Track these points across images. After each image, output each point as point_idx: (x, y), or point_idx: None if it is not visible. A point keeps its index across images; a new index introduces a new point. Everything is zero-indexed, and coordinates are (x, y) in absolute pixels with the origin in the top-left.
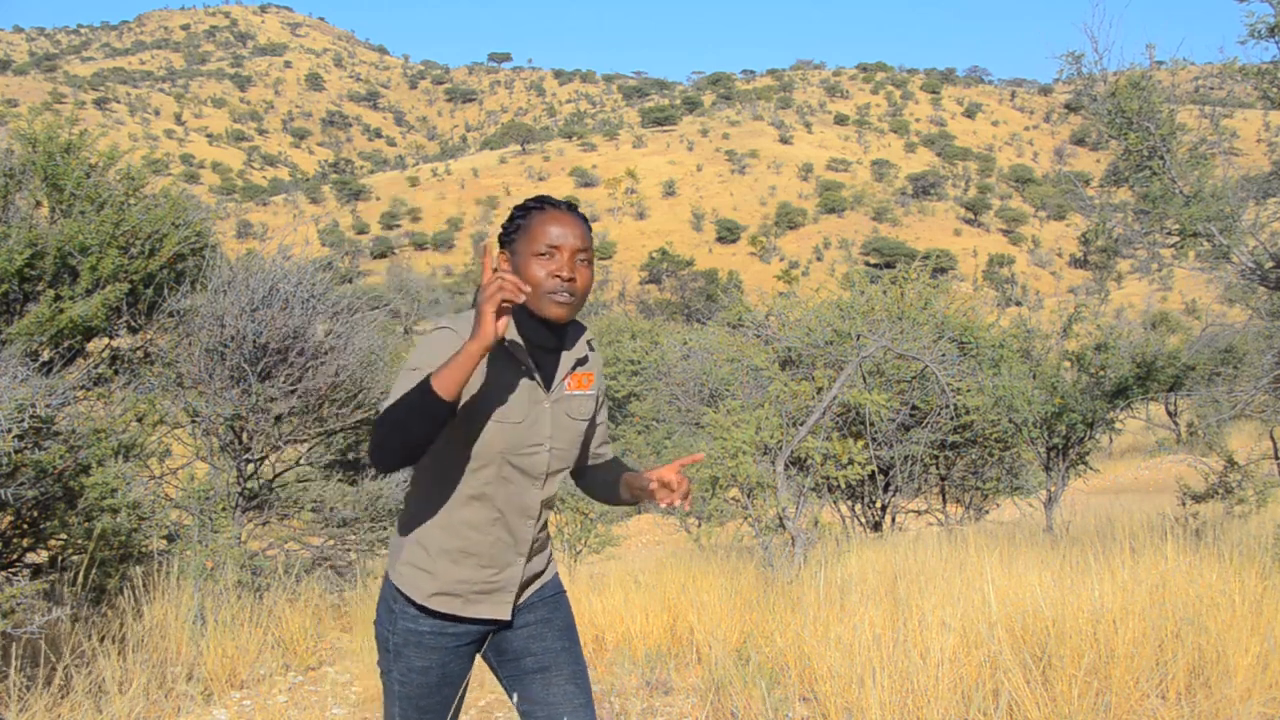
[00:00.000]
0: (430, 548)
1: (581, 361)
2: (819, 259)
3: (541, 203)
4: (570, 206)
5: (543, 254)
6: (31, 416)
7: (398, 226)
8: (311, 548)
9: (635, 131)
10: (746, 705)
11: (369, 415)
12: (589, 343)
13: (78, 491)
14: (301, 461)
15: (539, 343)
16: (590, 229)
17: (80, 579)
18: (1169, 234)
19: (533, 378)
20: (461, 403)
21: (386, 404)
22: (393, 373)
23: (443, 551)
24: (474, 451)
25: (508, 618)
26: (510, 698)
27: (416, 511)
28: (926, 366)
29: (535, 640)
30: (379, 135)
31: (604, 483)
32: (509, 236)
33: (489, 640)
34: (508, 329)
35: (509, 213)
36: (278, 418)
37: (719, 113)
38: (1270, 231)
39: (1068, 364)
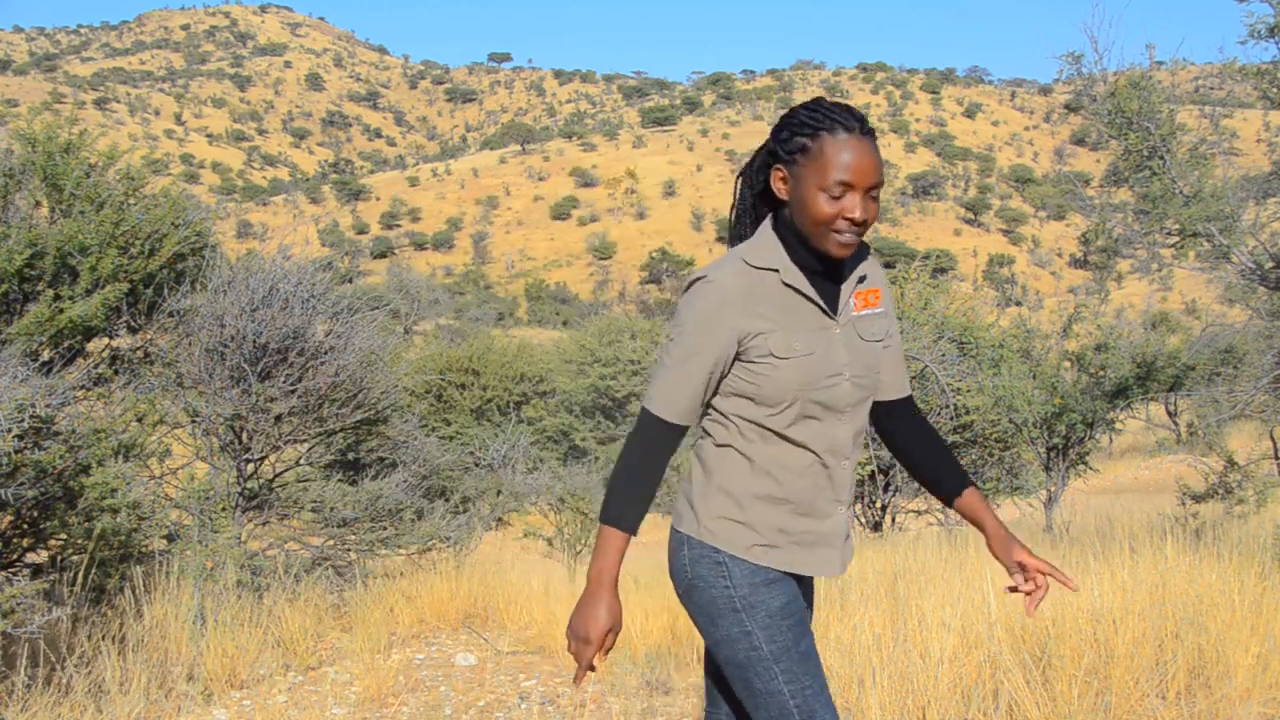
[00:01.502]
0: (740, 495)
1: (863, 279)
2: None
3: (833, 120)
4: (864, 124)
5: (833, 190)
6: (31, 416)
7: (398, 226)
8: (311, 548)
9: (635, 131)
10: None
11: (369, 415)
12: (870, 257)
13: (78, 491)
14: (301, 461)
15: (816, 269)
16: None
17: (80, 579)
18: (1169, 234)
19: (816, 304)
20: (744, 346)
21: (648, 407)
22: (392, 373)
23: (756, 498)
24: (770, 394)
25: (839, 572)
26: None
27: (718, 462)
28: (926, 366)
29: None
30: (379, 135)
31: (926, 458)
32: (789, 154)
33: None
34: (783, 267)
35: (786, 117)
36: (278, 418)
37: (719, 113)
38: (1270, 231)
39: (1068, 364)
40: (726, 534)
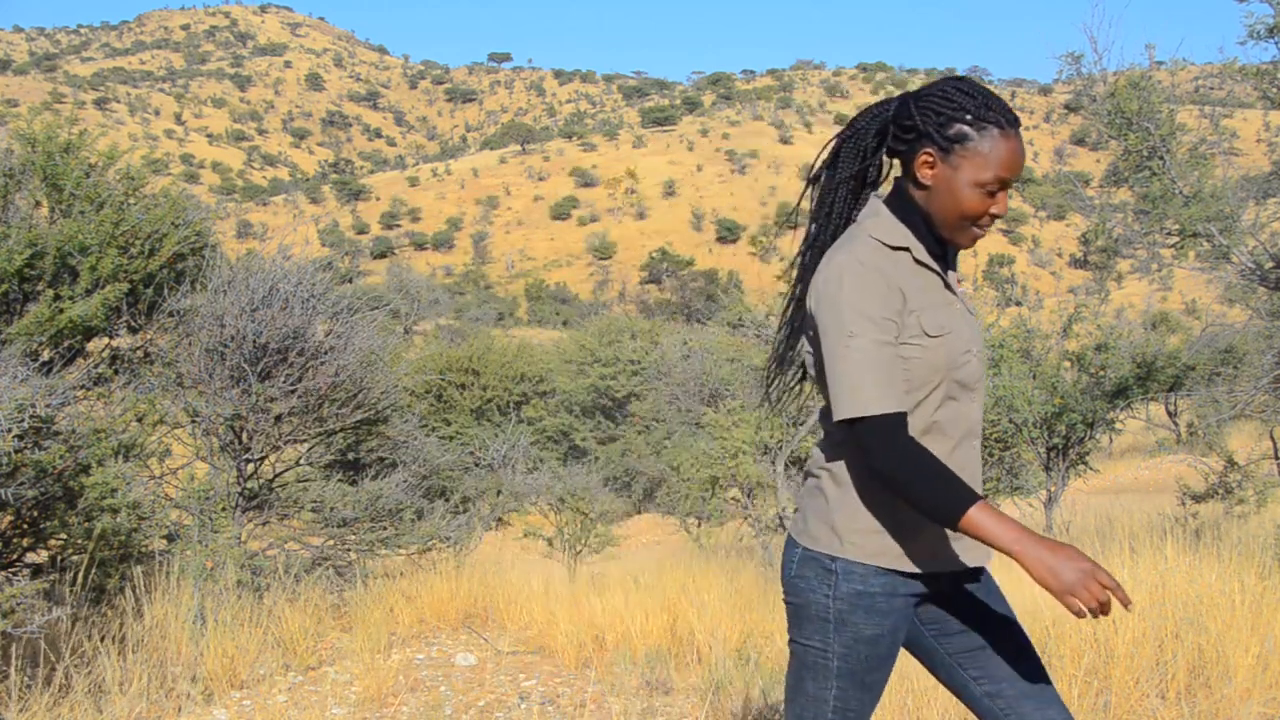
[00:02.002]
0: (886, 502)
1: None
2: None
3: (1000, 116)
4: (1019, 123)
5: (990, 187)
6: (31, 416)
7: (398, 226)
8: (311, 548)
9: (635, 131)
10: (746, 705)
11: (369, 415)
12: None
13: (78, 491)
14: (301, 461)
15: (936, 251)
16: None
17: (80, 579)
18: (1169, 234)
19: (944, 281)
20: (902, 326)
21: (868, 412)
22: (392, 373)
23: (897, 501)
24: (920, 376)
25: (984, 563)
26: (945, 675)
27: (856, 471)
28: None
29: (987, 608)
30: (379, 135)
31: None
32: (946, 140)
33: (925, 606)
34: (912, 245)
35: (939, 96)
36: (278, 418)
37: (719, 113)
38: (1270, 231)
39: (1068, 364)
40: (875, 549)
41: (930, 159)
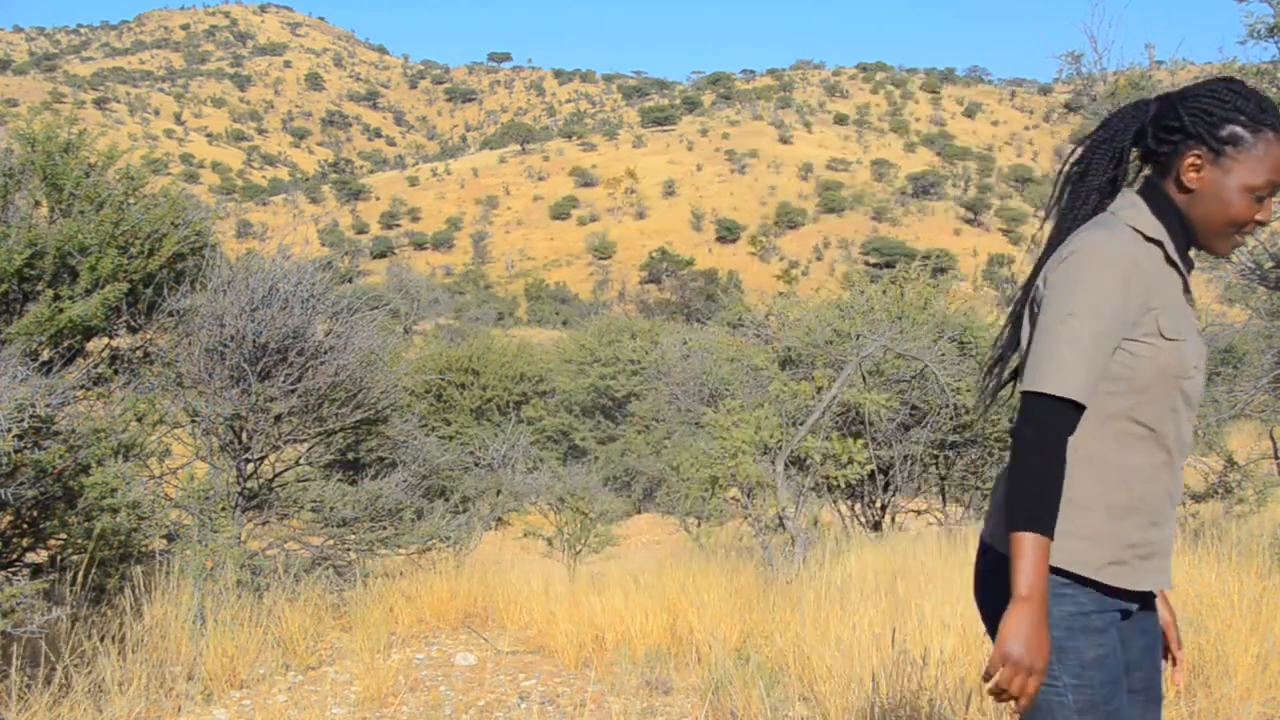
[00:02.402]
0: (1092, 506)
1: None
2: (819, 259)
3: (1276, 119)
4: None
5: (1261, 192)
6: (31, 416)
7: (397, 226)
8: (311, 548)
9: (635, 131)
10: (746, 705)
11: (368, 415)
12: None
13: (77, 491)
14: (301, 461)
15: (1181, 253)
16: None
17: (80, 579)
18: None
19: (1187, 287)
20: (1135, 320)
21: (1054, 391)
22: (392, 373)
23: (1106, 509)
24: (1146, 379)
25: (1170, 586)
26: None
27: (1086, 460)
28: (926, 366)
29: (1150, 655)
30: (379, 135)
31: None
32: (1218, 141)
33: None
34: (1165, 241)
35: (1209, 97)
36: (277, 417)
37: (719, 112)
38: (1270, 231)
39: None
40: (1075, 551)
41: (1198, 161)
